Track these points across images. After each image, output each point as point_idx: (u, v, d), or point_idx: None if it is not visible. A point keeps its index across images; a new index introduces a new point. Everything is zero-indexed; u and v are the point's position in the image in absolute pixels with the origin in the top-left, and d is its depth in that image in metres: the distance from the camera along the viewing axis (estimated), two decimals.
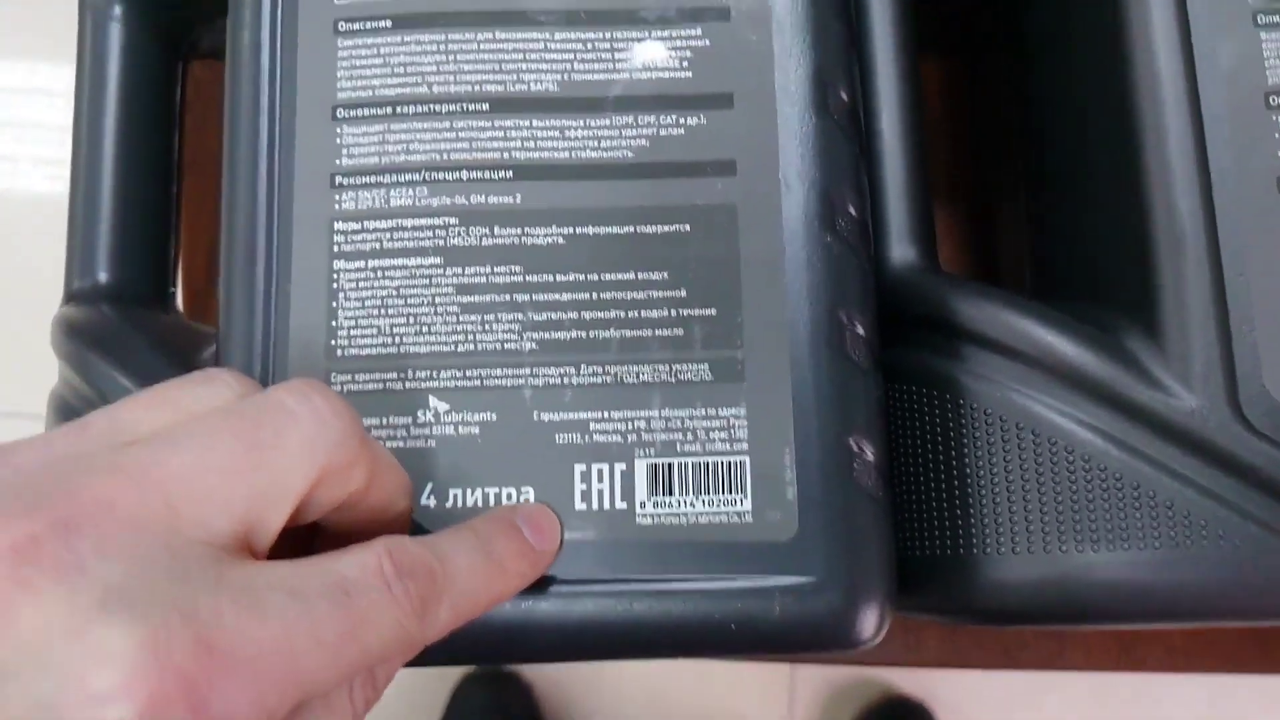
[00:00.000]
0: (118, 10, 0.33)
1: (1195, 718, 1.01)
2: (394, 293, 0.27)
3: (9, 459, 0.19)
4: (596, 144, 0.28)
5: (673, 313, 0.27)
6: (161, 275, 0.34)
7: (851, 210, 0.28)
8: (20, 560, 0.16)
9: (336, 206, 0.28)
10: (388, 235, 0.27)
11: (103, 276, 0.32)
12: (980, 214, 0.42)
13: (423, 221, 0.27)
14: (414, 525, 0.26)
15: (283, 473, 0.20)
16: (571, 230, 0.27)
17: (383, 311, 0.27)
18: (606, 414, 0.26)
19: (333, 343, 0.27)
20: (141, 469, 0.18)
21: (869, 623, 0.26)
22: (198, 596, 0.17)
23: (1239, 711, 1.00)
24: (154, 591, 0.17)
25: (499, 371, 0.27)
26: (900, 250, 0.33)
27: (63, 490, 0.17)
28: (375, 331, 0.27)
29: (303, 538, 0.23)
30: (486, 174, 0.27)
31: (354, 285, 0.27)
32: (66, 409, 0.28)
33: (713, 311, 0.27)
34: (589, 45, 0.28)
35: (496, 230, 0.27)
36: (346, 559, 0.20)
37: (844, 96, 0.28)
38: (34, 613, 0.16)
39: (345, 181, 0.28)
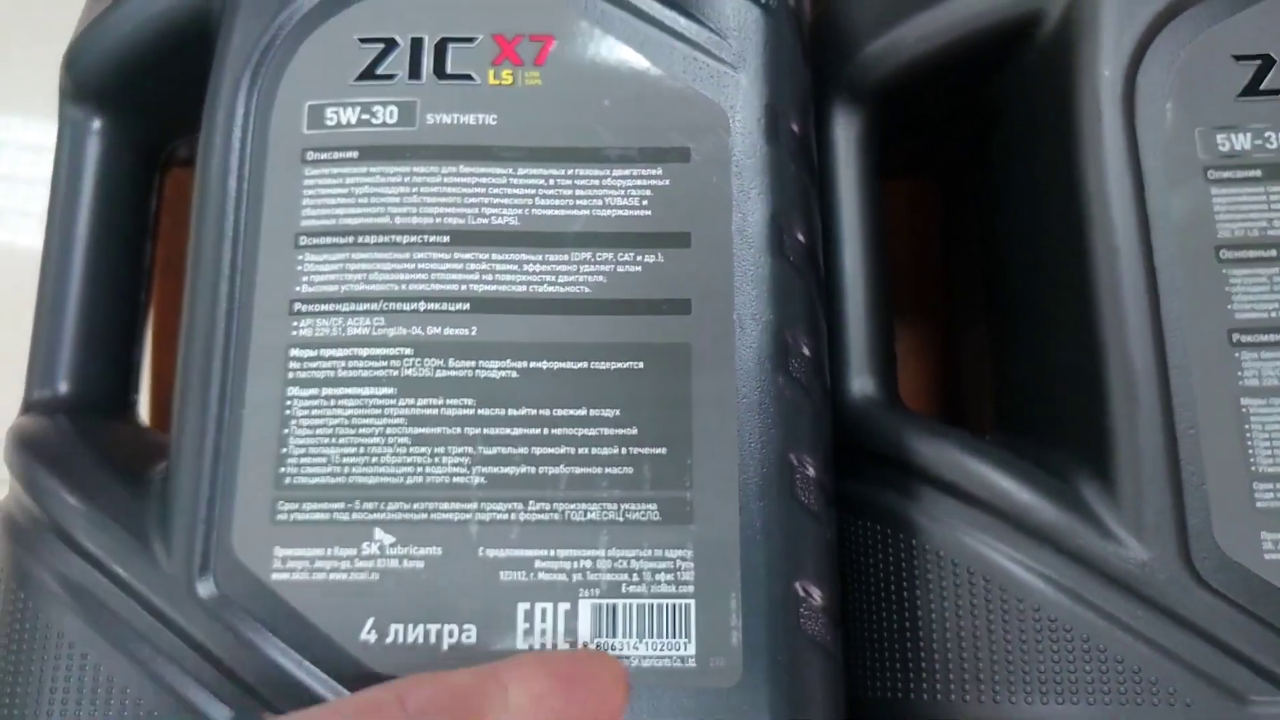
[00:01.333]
0: (96, 124, 0.34)
1: None
2: (345, 422, 0.27)
3: None
4: (554, 279, 0.28)
5: (623, 450, 0.27)
6: (124, 384, 0.34)
7: (805, 351, 0.28)
8: None
9: (294, 333, 0.28)
10: (342, 364, 0.27)
11: (63, 387, 0.32)
12: (948, 334, 0.43)
13: (378, 351, 0.27)
14: (352, 661, 0.26)
15: None
16: (526, 364, 0.27)
17: (333, 441, 0.27)
18: (552, 552, 0.26)
19: (281, 470, 0.27)
20: None
21: None
22: None
23: None
24: None
25: (446, 505, 0.26)
26: (860, 383, 0.33)
27: None
28: (325, 461, 0.27)
29: None
30: (444, 305, 0.28)
31: (306, 413, 0.27)
32: (12, 525, 0.28)
33: (663, 451, 0.27)
34: (550, 181, 0.29)
35: (451, 362, 0.27)
36: None
37: (801, 238, 0.29)
38: None
39: (304, 308, 0.28)
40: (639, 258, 0.28)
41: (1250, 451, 0.28)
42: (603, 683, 0.22)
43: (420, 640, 0.26)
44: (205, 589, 0.26)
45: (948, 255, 0.42)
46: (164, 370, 0.44)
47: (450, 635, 0.26)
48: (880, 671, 0.29)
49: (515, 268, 0.28)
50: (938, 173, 0.41)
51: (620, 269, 0.28)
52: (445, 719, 0.20)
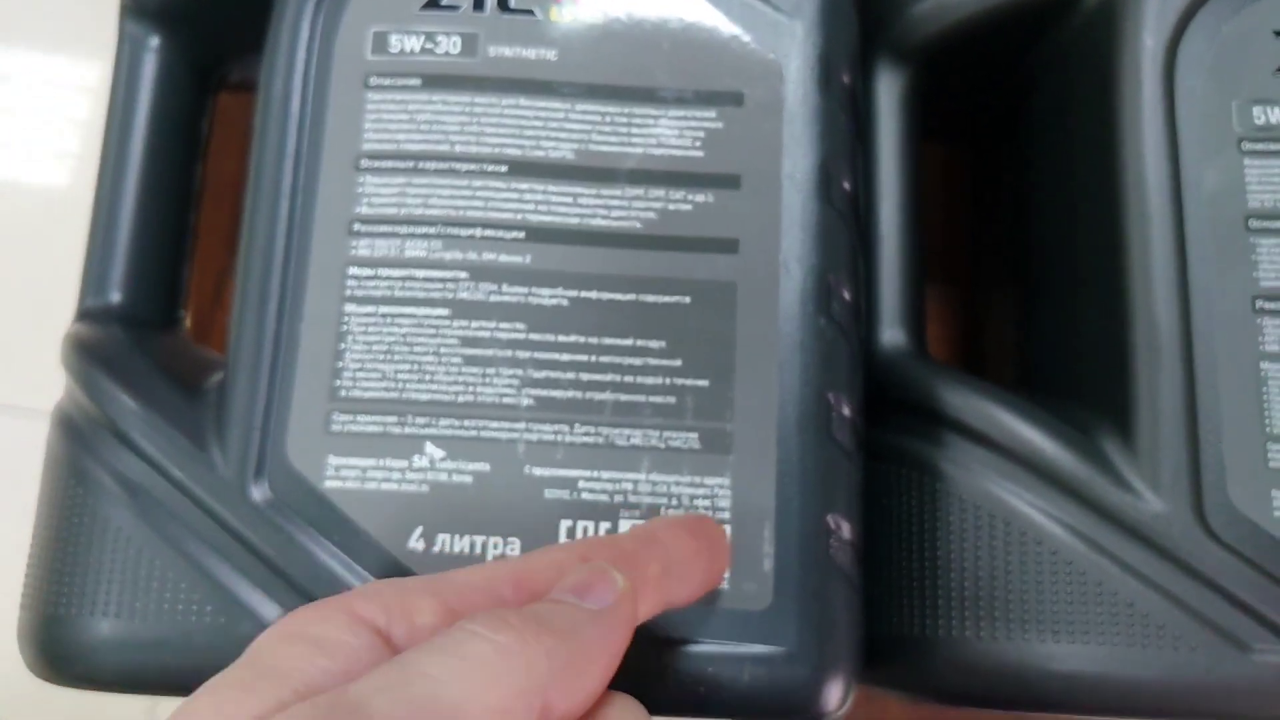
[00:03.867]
0: (155, 41, 0.34)
1: None
2: (401, 339, 0.28)
3: None
4: (607, 213, 0.29)
5: (667, 381, 0.28)
6: (172, 300, 0.34)
7: (846, 296, 0.29)
8: None
9: (352, 252, 0.29)
10: (400, 284, 0.28)
11: (115, 298, 0.33)
12: (972, 299, 0.44)
13: (434, 273, 0.28)
14: (399, 567, 0.27)
15: None
16: (576, 293, 0.28)
17: (388, 357, 0.28)
18: (596, 473, 0.27)
19: (337, 383, 0.28)
20: None
21: (834, 696, 0.27)
22: None
23: None
24: None
25: (495, 424, 0.27)
26: (891, 334, 0.34)
27: None
28: (379, 376, 0.28)
29: None
30: (499, 233, 0.29)
31: (363, 329, 0.28)
32: (70, 425, 0.29)
33: (706, 383, 0.28)
34: (607, 119, 0.29)
35: (504, 288, 0.28)
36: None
37: (846, 187, 0.30)
38: None
39: (362, 229, 0.29)
40: (690, 197, 0.29)
41: (1266, 413, 0.29)
42: (724, 547, 0.26)
43: (465, 551, 0.27)
44: (259, 492, 0.27)
45: (976, 220, 0.42)
46: (201, 289, 0.44)
47: (495, 547, 0.27)
48: (900, 609, 0.30)
49: (570, 200, 0.29)
50: (972, 137, 0.42)
51: (671, 206, 0.29)
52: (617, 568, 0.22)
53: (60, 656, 0.28)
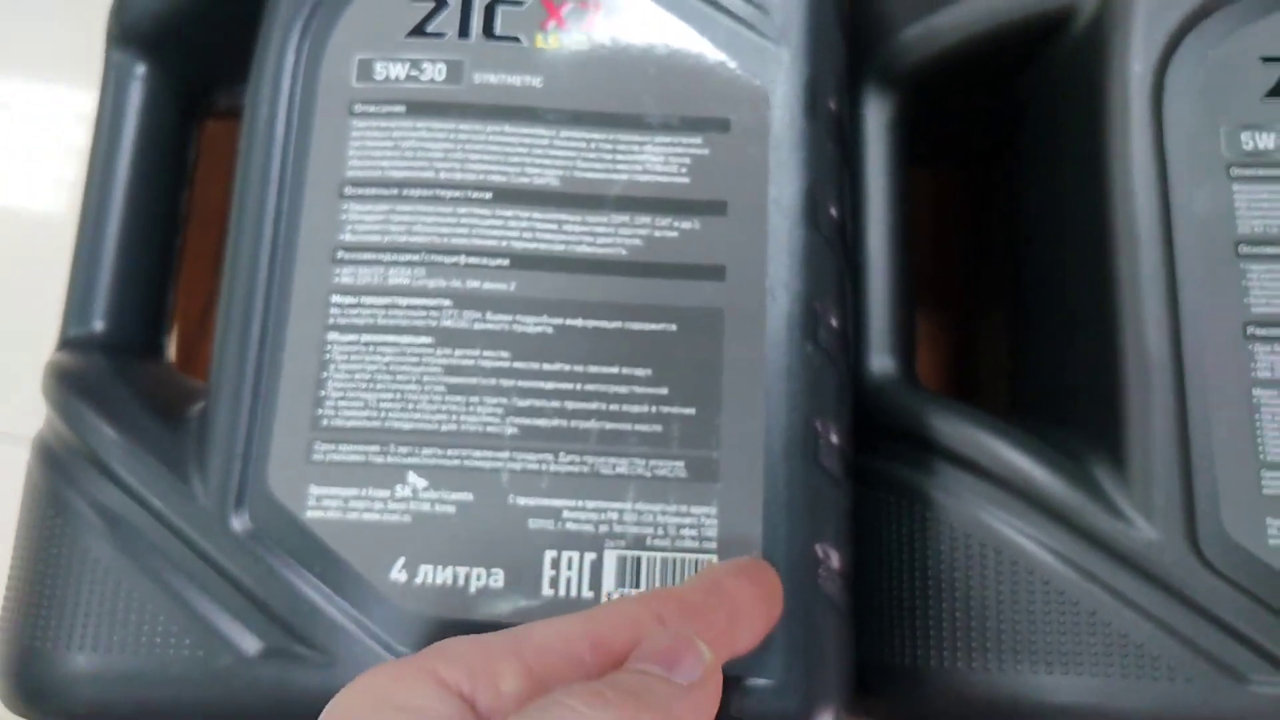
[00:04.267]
0: (141, 69, 0.34)
1: None
2: (384, 368, 0.28)
3: None
4: (593, 239, 0.29)
5: (653, 409, 0.28)
6: (156, 327, 0.34)
7: (833, 322, 0.29)
8: None
9: (335, 280, 0.28)
10: (383, 311, 0.28)
11: (98, 325, 0.32)
12: (963, 324, 0.44)
13: (418, 301, 0.28)
14: (381, 599, 0.26)
15: None
16: (562, 321, 0.28)
17: (371, 385, 0.28)
18: (581, 503, 0.27)
19: (319, 412, 0.27)
20: None
21: None
22: None
23: None
24: None
25: (479, 453, 0.27)
26: (879, 361, 0.33)
27: None
28: (362, 404, 0.27)
29: None
30: (484, 260, 0.28)
31: (345, 358, 0.28)
32: (50, 454, 0.29)
33: (692, 411, 0.28)
34: (592, 145, 0.29)
35: (489, 315, 0.28)
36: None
37: (833, 213, 0.30)
38: None
39: (346, 256, 0.28)
40: (676, 223, 0.29)
41: (1259, 440, 0.28)
42: (779, 590, 0.25)
43: (449, 582, 0.26)
44: (240, 523, 0.27)
45: (967, 245, 0.42)
46: (187, 316, 0.44)
47: (478, 579, 0.26)
48: (891, 639, 0.30)
49: (555, 227, 0.29)
50: (963, 162, 0.42)
51: (657, 233, 0.29)
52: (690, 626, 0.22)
53: (36, 690, 0.27)
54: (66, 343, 0.32)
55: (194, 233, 0.39)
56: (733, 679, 0.26)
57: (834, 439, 0.28)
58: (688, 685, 0.21)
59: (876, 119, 0.35)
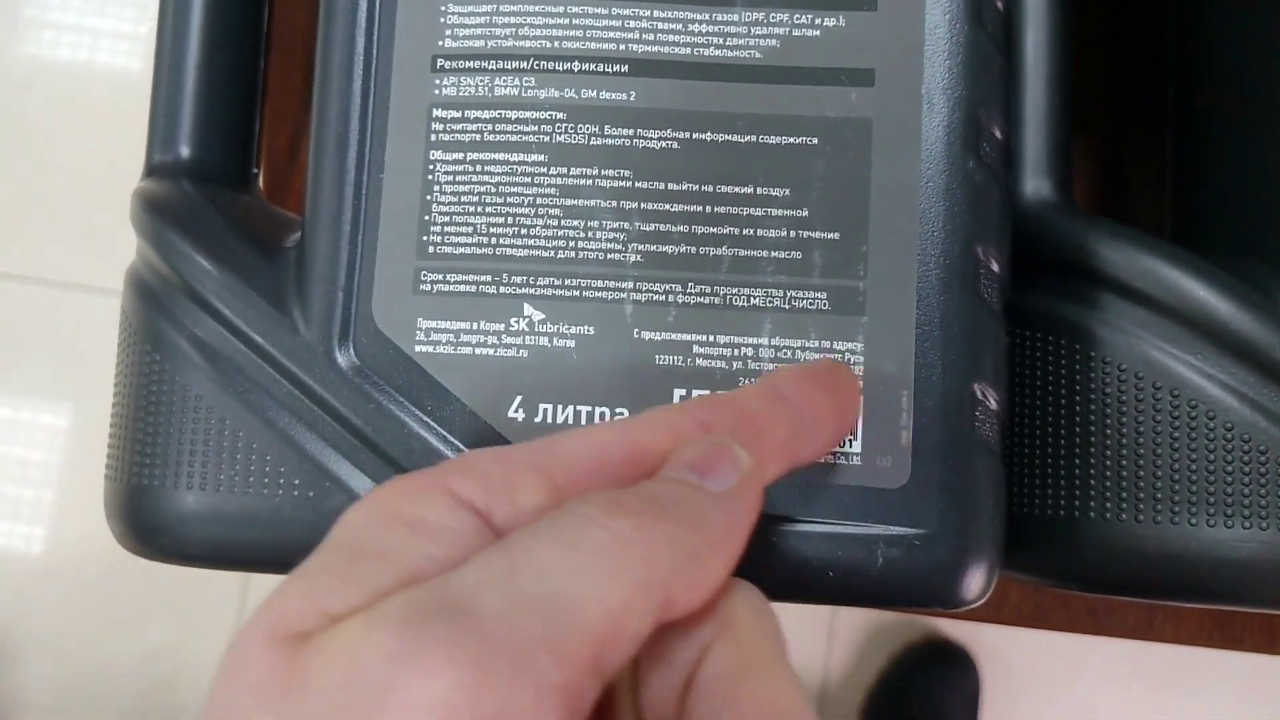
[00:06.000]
0: None
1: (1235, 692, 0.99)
2: (493, 190, 0.25)
3: None
4: (722, 41, 0.25)
5: (792, 234, 0.25)
6: (245, 154, 0.32)
7: (997, 134, 0.25)
8: None
9: (437, 92, 0.26)
10: (489, 127, 0.25)
11: (185, 151, 0.30)
12: (1111, 149, 0.39)
13: (528, 115, 0.25)
14: (498, 438, 0.25)
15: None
16: (688, 135, 0.25)
17: (480, 209, 0.25)
18: (712, 338, 0.25)
19: (425, 238, 0.25)
20: None
21: (976, 583, 0.24)
22: None
23: (1272, 703, 0.97)
24: None
25: (600, 283, 0.25)
26: (1035, 184, 0.30)
27: None
28: (470, 230, 0.25)
29: None
30: (600, 67, 0.25)
31: (450, 179, 0.25)
32: (143, 286, 0.27)
33: (836, 236, 0.25)
34: None
35: (606, 130, 0.25)
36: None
37: (999, 6, 0.26)
38: None
39: (447, 65, 0.26)
40: (817, 20, 0.25)
41: None
42: (855, 398, 0.23)
43: (570, 421, 0.24)
44: (345, 359, 0.25)
45: (1120, 59, 0.38)
46: (273, 149, 0.42)
47: (602, 418, 0.24)
48: (1043, 488, 0.27)
49: (679, 27, 0.25)
50: None
51: (796, 32, 0.25)
52: (740, 437, 0.20)
53: (147, 529, 0.26)
54: (153, 169, 0.30)
55: (276, 61, 0.36)
56: (877, 529, 0.24)
57: (995, 267, 0.25)
58: (721, 493, 0.18)
59: None
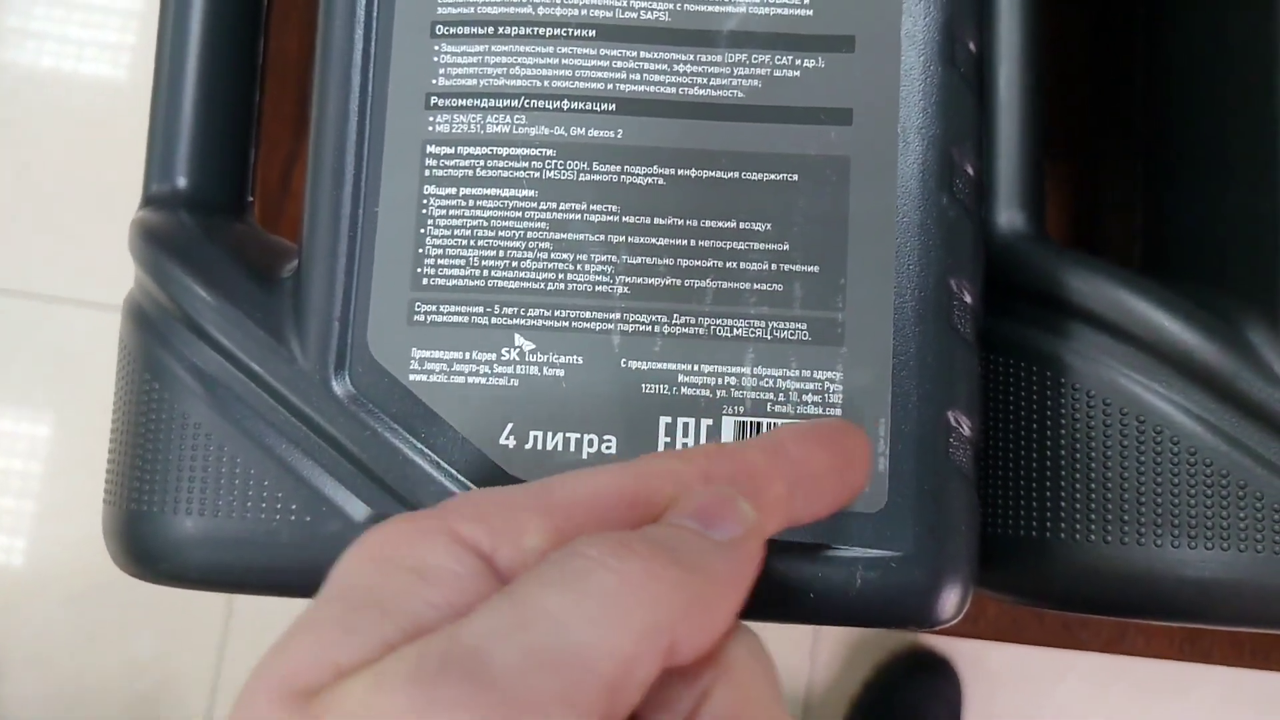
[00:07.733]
0: None
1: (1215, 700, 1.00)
2: (484, 224, 0.26)
3: None
4: (706, 81, 0.26)
5: (773, 266, 0.26)
6: (240, 183, 0.33)
7: (970, 170, 0.26)
8: None
9: (430, 128, 0.26)
10: (481, 163, 0.26)
11: (181, 182, 0.31)
12: (1085, 177, 0.40)
13: (519, 151, 0.26)
14: (490, 465, 0.25)
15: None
16: (673, 171, 0.26)
17: (472, 242, 0.26)
18: (696, 367, 0.25)
19: (419, 271, 0.26)
20: None
21: (950, 603, 0.25)
22: None
23: (1248, 711, 0.99)
24: None
25: (588, 314, 0.26)
26: (1008, 215, 0.31)
27: None
28: (463, 263, 0.26)
29: None
30: (588, 105, 0.26)
31: (444, 213, 0.26)
32: (142, 316, 0.28)
33: (816, 269, 0.26)
34: None
35: (595, 166, 0.26)
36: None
37: (971, 48, 0.27)
38: None
39: (441, 103, 0.26)
40: (798, 61, 0.26)
41: None
42: (863, 460, 0.21)
43: (560, 448, 0.25)
44: (341, 388, 0.26)
45: (1094, 91, 0.39)
46: (267, 177, 0.43)
47: (590, 445, 0.25)
48: (1015, 510, 0.28)
49: (665, 68, 0.26)
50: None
51: (777, 73, 0.26)
52: (739, 490, 0.20)
53: (146, 553, 0.27)
54: (150, 199, 0.31)
55: (271, 88, 0.37)
56: (856, 552, 0.25)
57: (969, 299, 0.26)
58: (725, 542, 0.18)
59: None
